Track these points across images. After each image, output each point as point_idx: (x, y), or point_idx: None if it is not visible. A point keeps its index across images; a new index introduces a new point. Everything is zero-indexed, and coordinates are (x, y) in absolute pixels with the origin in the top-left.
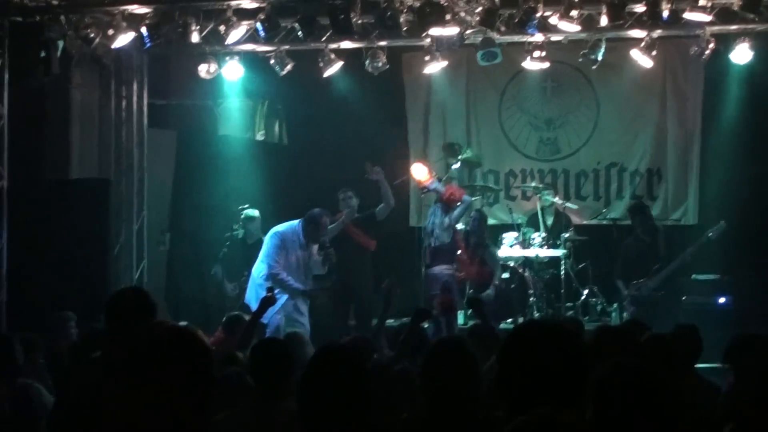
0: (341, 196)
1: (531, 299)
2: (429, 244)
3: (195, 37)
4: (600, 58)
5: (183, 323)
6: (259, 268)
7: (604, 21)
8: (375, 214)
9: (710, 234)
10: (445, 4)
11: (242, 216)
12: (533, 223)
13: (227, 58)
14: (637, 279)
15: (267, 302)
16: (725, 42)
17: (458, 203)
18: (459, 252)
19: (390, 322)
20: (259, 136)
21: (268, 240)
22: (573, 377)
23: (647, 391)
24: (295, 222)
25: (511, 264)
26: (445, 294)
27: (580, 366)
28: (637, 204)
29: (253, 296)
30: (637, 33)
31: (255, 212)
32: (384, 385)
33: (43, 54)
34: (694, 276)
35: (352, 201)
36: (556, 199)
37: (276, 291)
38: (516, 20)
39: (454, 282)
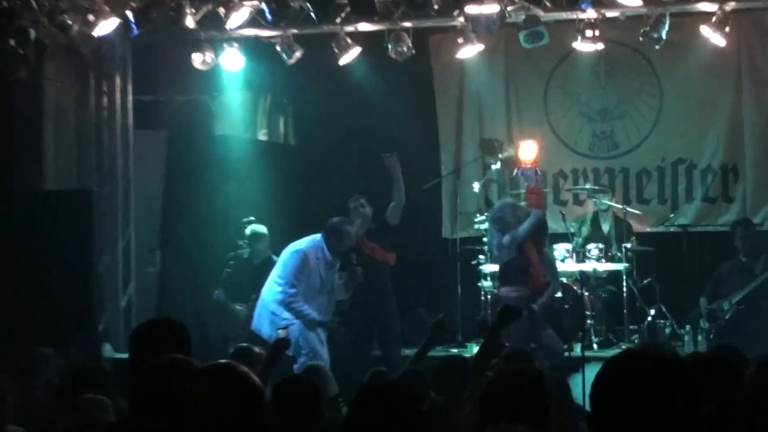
0: (352, 205)
1: (588, 322)
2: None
3: (189, 22)
4: (664, 36)
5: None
6: (271, 291)
7: None
8: (386, 219)
9: None
10: None
11: (248, 233)
12: (588, 231)
13: (226, 45)
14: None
15: (280, 346)
16: None
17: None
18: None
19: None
20: (262, 136)
21: (287, 258)
22: (685, 418)
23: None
24: (316, 237)
25: (564, 280)
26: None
27: (694, 405)
28: (740, 221)
29: (265, 323)
30: (706, 6)
31: (262, 228)
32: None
33: (12, 43)
34: None
35: (365, 210)
36: (615, 203)
37: (288, 319)
38: None
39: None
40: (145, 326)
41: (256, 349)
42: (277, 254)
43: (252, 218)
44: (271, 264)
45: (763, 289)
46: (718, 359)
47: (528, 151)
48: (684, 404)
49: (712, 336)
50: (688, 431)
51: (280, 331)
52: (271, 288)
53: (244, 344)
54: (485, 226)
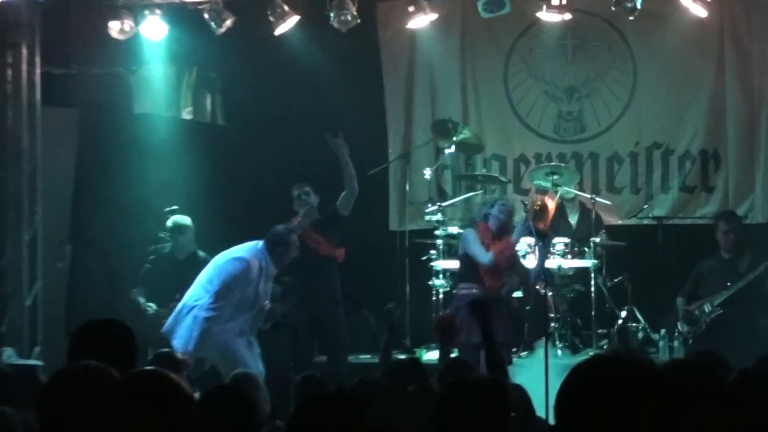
0: (296, 193)
1: (552, 325)
2: None
3: None
4: (638, 6)
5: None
6: (195, 296)
7: None
8: (337, 209)
9: None
10: None
11: (170, 224)
12: (557, 222)
13: (147, 12)
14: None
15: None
16: None
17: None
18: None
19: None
20: (187, 114)
21: (225, 264)
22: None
23: None
24: (257, 244)
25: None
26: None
27: (669, 417)
28: (723, 213)
29: (183, 333)
30: None
31: (186, 220)
32: None
33: None
34: None
35: (310, 198)
36: (582, 192)
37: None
38: None
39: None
40: (85, 328)
41: (179, 355)
42: (204, 249)
43: (175, 207)
44: (196, 260)
45: (748, 292)
46: (698, 366)
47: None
48: (657, 416)
49: (690, 341)
50: None
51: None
52: (196, 293)
53: (165, 349)
54: (437, 217)
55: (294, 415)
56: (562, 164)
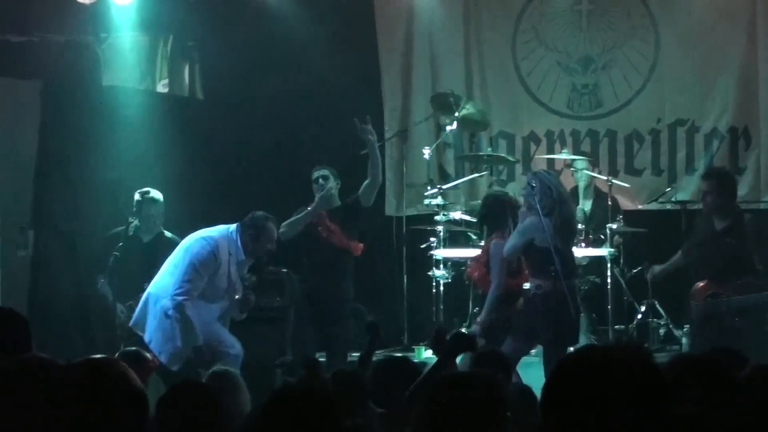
0: (314, 176)
1: None
2: None
3: None
4: None
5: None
6: (162, 283)
7: None
8: (359, 199)
9: None
10: None
11: (138, 197)
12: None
13: None
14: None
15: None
16: None
17: None
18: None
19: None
20: (162, 87)
21: (192, 244)
22: (655, 427)
23: None
24: (230, 227)
25: None
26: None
27: (665, 411)
28: (717, 174)
29: (153, 324)
30: None
31: (157, 194)
32: None
33: None
34: None
35: (328, 183)
36: (598, 174)
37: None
38: None
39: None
40: None
41: (148, 355)
42: (179, 234)
43: (148, 190)
44: (163, 243)
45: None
46: (707, 360)
47: None
48: (652, 410)
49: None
50: None
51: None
52: (163, 279)
53: (133, 348)
54: (438, 201)
55: (262, 410)
56: (576, 154)
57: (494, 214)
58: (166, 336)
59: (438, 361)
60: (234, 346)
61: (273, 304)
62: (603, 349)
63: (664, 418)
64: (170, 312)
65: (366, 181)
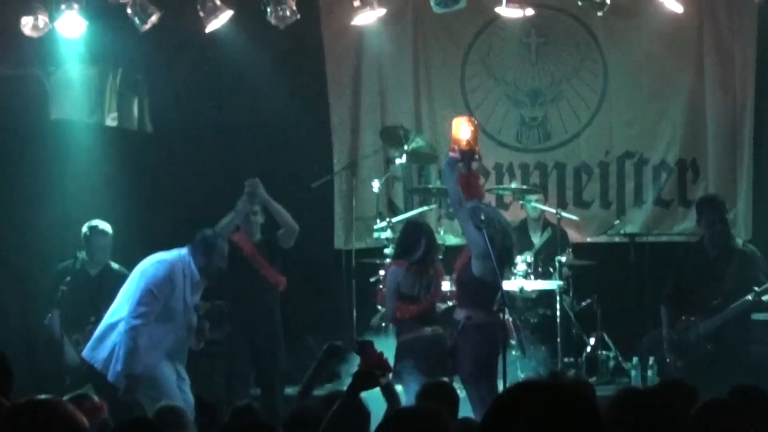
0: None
1: (512, 353)
2: None
3: None
4: (608, 0)
5: None
6: (118, 311)
7: None
8: (278, 238)
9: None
10: None
11: (85, 230)
12: (519, 241)
13: (63, 6)
14: (688, 313)
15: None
16: None
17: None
18: None
19: None
20: (110, 121)
21: (147, 268)
22: None
23: None
24: (182, 251)
25: None
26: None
27: None
28: (709, 198)
29: (102, 350)
30: None
31: (106, 226)
32: None
33: None
34: (755, 316)
35: (257, 216)
36: (547, 207)
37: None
38: None
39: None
40: None
41: (96, 399)
42: (127, 266)
43: (97, 223)
44: (110, 275)
45: (737, 316)
46: (657, 395)
47: (464, 129)
48: None
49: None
50: None
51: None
52: (119, 307)
53: (81, 391)
54: (387, 234)
55: None
56: (525, 186)
57: (408, 240)
58: (109, 360)
59: (343, 397)
60: (177, 398)
61: (215, 337)
62: (539, 384)
63: None
64: (123, 335)
65: (281, 230)
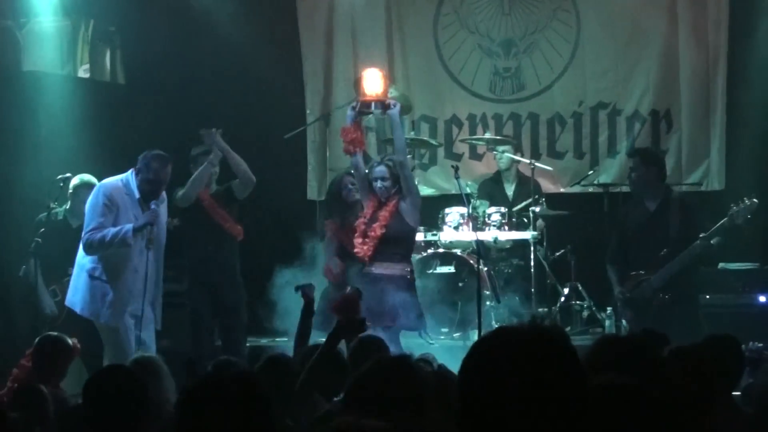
0: (195, 152)
1: (487, 303)
2: None
3: None
4: None
5: None
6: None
7: None
8: (232, 188)
9: (734, 212)
10: None
11: (77, 182)
12: (488, 192)
13: None
14: (636, 268)
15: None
16: None
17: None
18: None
19: None
20: (83, 72)
21: (89, 201)
22: (570, 407)
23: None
24: (125, 174)
25: (458, 252)
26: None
27: (580, 393)
28: (642, 150)
29: (79, 294)
30: None
31: (92, 179)
32: None
33: None
34: (721, 265)
35: (214, 168)
36: (518, 157)
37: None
38: None
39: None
40: None
41: (69, 341)
42: None
43: (68, 175)
44: None
45: (688, 266)
46: (632, 342)
47: (373, 81)
48: (565, 394)
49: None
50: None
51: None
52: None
53: (53, 333)
54: None
55: (184, 396)
56: (498, 137)
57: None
58: (95, 296)
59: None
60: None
61: (180, 289)
62: (515, 329)
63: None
64: (96, 272)
65: (235, 181)
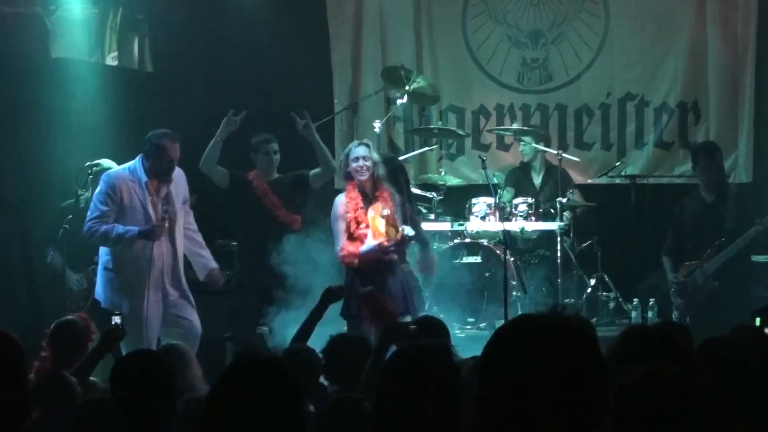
0: (255, 140)
1: (514, 293)
2: None
3: None
4: None
5: None
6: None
7: None
8: (307, 178)
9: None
10: None
11: (94, 168)
12: (516, 183)
13: None
14: (691, 259)
15: (110, 338)
16: None
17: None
18: None
19: None
20: (111, 60)
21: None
22: (590, 396)
23: (689, 408)
24: (133, 161)
25: (485, 242)
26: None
27: (600, 382)
28: (702, 144)
29: (100, 289)
30: None
31: (113, 165)
32: None
33: None
34: (754, 257)
35: (276, 156)
36: (544, 148)
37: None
38: None
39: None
40: None
41: (81, 321)
42: None
43: (97, 162)
44: None
45: (738, 258)
46: (661, 333)
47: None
48: (584, 381)
49: (688, 319)
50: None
51: (114, 317)
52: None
53: (69, 317)
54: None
55: (218, 381)
56: (526, 128)
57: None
58: (113, 288)
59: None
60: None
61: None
62: (537, 317)
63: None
64: (109, 264)
65: (316, 170)
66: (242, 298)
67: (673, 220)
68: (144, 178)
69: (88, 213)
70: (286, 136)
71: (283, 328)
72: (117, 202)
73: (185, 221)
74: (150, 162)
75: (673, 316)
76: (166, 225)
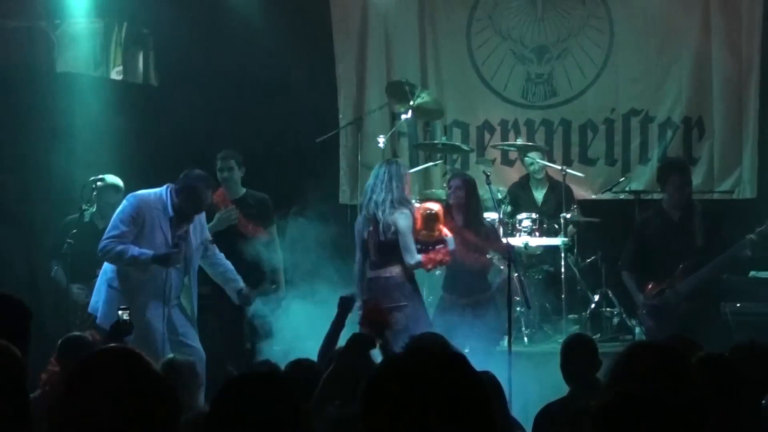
0: (218, 164)
1: (518, 309)
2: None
3: None
4: None
5: None
6: None
7: None
8: (269, 204)
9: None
10: None
11: (99, 183)
12: (519, 198)
13: None
14: (658, 277)
15: (118, 332)
16: None
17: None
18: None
19: None
20: (116, 74)
21: (120, 207)
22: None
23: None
24: (164, 187)
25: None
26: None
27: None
28: (673, 161)
29: (101, 300)
30: None
31: (118, 181)
32: None
33: None
34: (752, 273)
35: (233, 174)
36: (548, 163)
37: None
38: None
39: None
40: None
41: (89, 337)
42: None
43: (102, 177)
44: None
45: (718, 274)
46: (665, 349)
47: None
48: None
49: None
50: None
51: (120, 312)
52: None
53: (76, 333)
54: None
55: (217, 395)
56: (530, 143)
57: None
58: (114, 307)
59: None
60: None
61: (201, 292)
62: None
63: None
64: (114, 283)
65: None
66: (224, 315)
67: (634, 235)
68: (170, 212)
69: (107, 229)
70: (291, 151)
71: (267, 344)
72: (139, 225)
73: (208, 254)
74: (180, 200)
75: (637, 321)
76: (182, 252)
